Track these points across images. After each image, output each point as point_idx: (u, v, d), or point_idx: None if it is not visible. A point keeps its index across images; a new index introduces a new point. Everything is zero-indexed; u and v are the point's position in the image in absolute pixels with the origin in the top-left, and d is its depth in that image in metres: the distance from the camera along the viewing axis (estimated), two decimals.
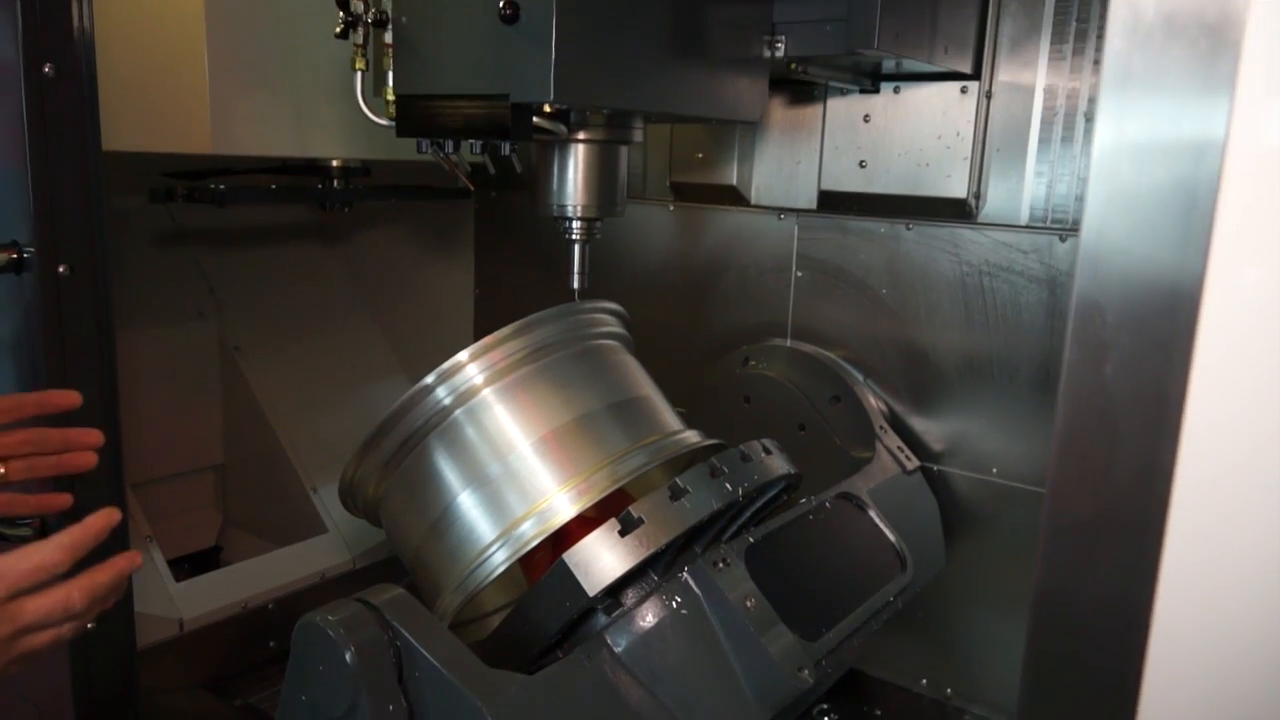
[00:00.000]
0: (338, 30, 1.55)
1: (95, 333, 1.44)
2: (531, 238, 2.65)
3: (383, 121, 1.60)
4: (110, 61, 1.52)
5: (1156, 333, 0.60)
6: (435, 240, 2.87)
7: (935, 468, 2.09)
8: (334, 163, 2.27)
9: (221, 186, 2.04)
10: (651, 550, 1.39)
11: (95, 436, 1.15)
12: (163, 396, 2.53)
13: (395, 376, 2.85)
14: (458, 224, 2.79)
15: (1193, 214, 0.65)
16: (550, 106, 1.41)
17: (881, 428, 2.08)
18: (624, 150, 1.70)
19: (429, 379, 1.56)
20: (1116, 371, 0.60)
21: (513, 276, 2.71)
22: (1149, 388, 0.59)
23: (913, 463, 2.04)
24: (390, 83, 1.55)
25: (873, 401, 2.13)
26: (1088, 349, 0.62)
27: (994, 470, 2.03)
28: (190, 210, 2.28)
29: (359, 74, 1.59)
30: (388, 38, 1.53)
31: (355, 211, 2.56)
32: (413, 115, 1.52)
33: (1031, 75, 1.89)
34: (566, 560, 1.38)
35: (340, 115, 2.06)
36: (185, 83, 1.93)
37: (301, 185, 2.29)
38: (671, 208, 2.39)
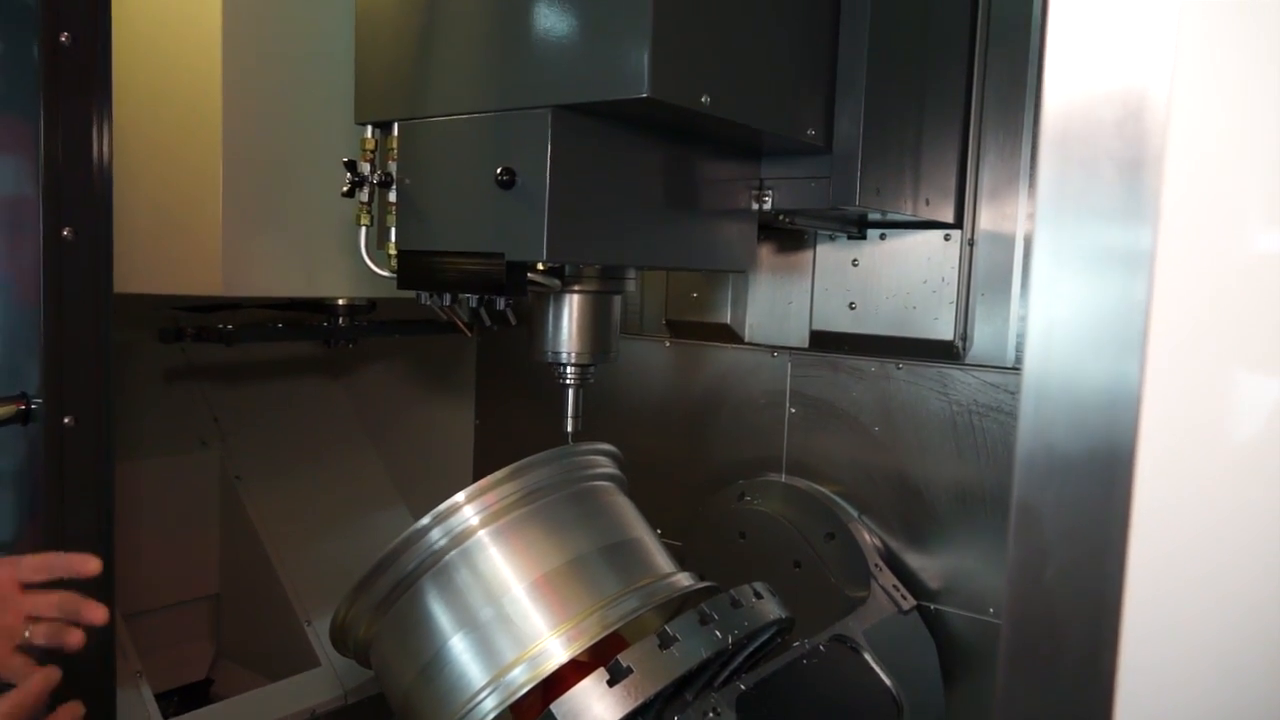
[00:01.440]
0: (345, 189, 1.63)
1: (95, 478, 1.47)
2: (531, 371, 2.69)
3: (385, 273, 1.66)
4: (125, 207, 1.59)
5: (1092, 542, 0.64)
6: (437, 373, 2.92)
7: (932, 606, 2.08)
8: (340, 301, 2.34)
9: (229, 326, 2.10)
10: (640, 700, 1.39)
11: (94, 564, 1.18)
12: (161, 526, 2.54)
13: (395, 507, 2.86)
14: (459, 358, 2.85)
15: (1124, 368, 0.71)
16: (544, 264, 1.47)
17: (876, 565, 2.07)
18: (617, 298, 1.76)
19: (425, 520, 1.58)
20: (1056, 577, 0.64)
21: (513, 408, 2.75)
22: (1087, 593, 0.62)
23: (908, 602, 2.03)
24: (393, 238, 1.62)
25: (867, 538, 2.14)
26: (1029, 553, 0.66)
27: (990, 610, 2.02)
28: (199, 344, 2.34)
29: (363, 229, 1.66)
30: (391, 196, 1.61)
31: (360, 345, 2.62)
32: (413, 269, 1.59)
33: (1012, 223, 1.97)
34: (555, 711, 1.37)
35: (348, 257, 2.13)
36: (198, 226, 2.00)
37: (307, 322, 2.35)
38: (668, 344, 2.45)
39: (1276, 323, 0.81)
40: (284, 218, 2.06)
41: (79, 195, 1.41)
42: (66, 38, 1.35)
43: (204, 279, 2.01)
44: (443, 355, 2.89)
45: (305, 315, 2.37)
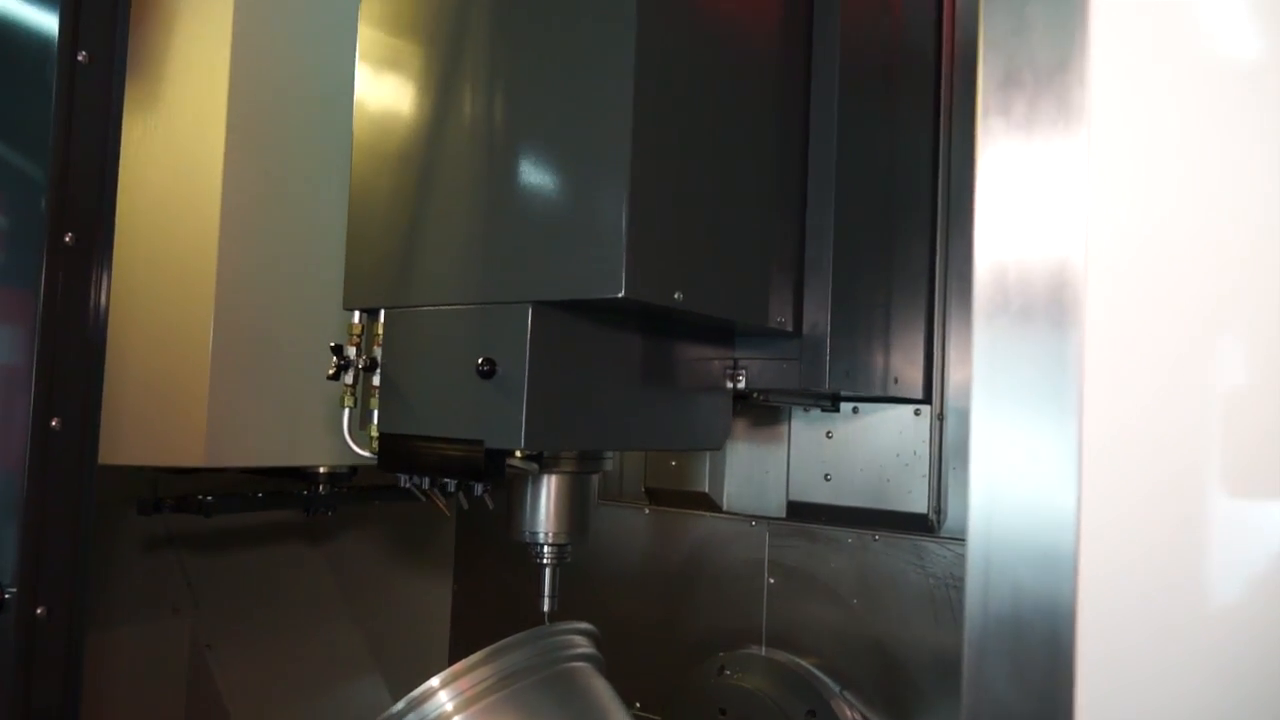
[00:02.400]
0: (330, 372, 1.67)
1: (64, 667, 1.45)
2: (509, 540, 2.69)
3: (366, 454, 1.69)
4: (115, 378, 1.62)
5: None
6: (416, 541, 2.91)
7: None
8: (321, 469, 2.35)
9: (209, 498, 2.11)
10: None
11: None
12: (127, 697, 2.47)
13: (371, 677, 2.79)
14: (438, 526, 2.84)
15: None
16: (522, 452, 1.51)
17: None
18: (595, 477, 1.79)
19: (399, 706, 1.56)
20: None
21: (491, 577, 2.73)
22: None
23: None
24: (375, 421, 1.65)
25: (849, 715, 2.10)
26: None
27: None
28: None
29: (346, 411, 1.70)
30: (375, 380, 1.66)
31: (339, 511, 2.62)
32: (394, 452, 1.62)
33: None
34: None
35: (331, 429, 2.16)
36: (185, 398, 2.04)
37: (287, 491, 2.36)
38: (647, 511, 2.46)
39: (1203, 482, 0.87)
40: (269, 393, 2.10)
41: (69, 380, 1.44)
42: (71, 238, 1.41)
43: (187, 450, 2.03)
44: (422, 523, 2.88)
45: (286, 482, 2.38)
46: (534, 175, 1.51)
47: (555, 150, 1.49)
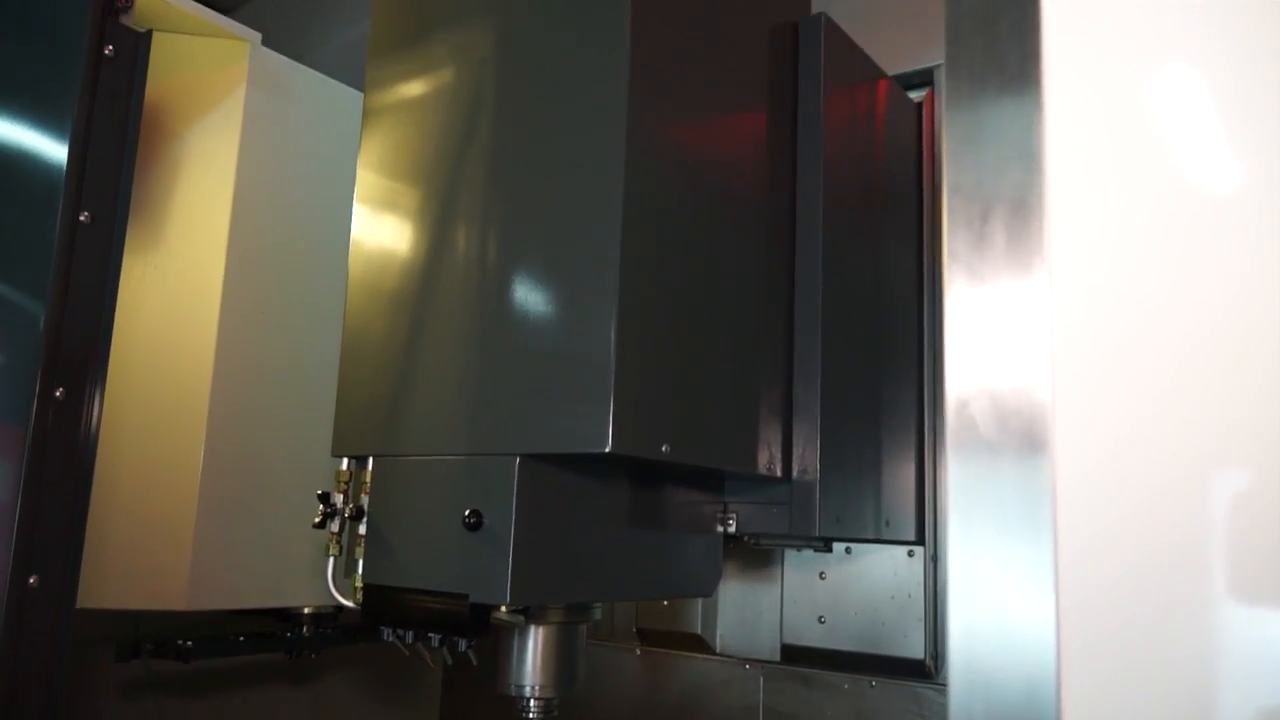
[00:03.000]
0: (317, 520, 1.66)
1: None
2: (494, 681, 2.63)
3: (350, 604, 1.66)
4: (96, 522, 1.60)
5: None
6: (402, 683, 2.84)
7: None
8: (305, 609, 2.31)
9: (189, 643, 2.06)
10: None
11: None
12: None
13: None
14: (425, 668, 2.77)
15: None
16: (507, 607, 1.48)
17: None
18: (583, 627, 1.75)
19: None
20: None
21: (477, 716, 2.65)
22: None
23: None
24: (360, 570, 1.63)
25: None
26: None
27: None
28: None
29: (331, 559, 1.68)
30: (362, 528, 1.64)
31: (323, 653, 2.55)
32: (378, 603, 1.59)
33: None
34: None
35: (316, 566, 2.13)
36: (169, 538, 2.02)
37: (270, 632, 2.31)
38: (638, 651, 2.41)
39: (1182, 604, 0.87)
40: (256, 533, 2.08)
41: (50, 535, 1.43)
42: (61, 393, 1.42)
43: (170, 592, 2.00)
44: (408, 666, 2.81)
45: (270, 621, 2.33)
46: (522, 327, 1.53)
47: (543, 302, 1.52)
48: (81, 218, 1.42)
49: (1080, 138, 0.93)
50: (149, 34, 1.50)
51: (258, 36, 2.16)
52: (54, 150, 1.47)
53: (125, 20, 1.45)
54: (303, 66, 2.31)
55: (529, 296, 1.54)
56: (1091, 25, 0.96)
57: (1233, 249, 0.94)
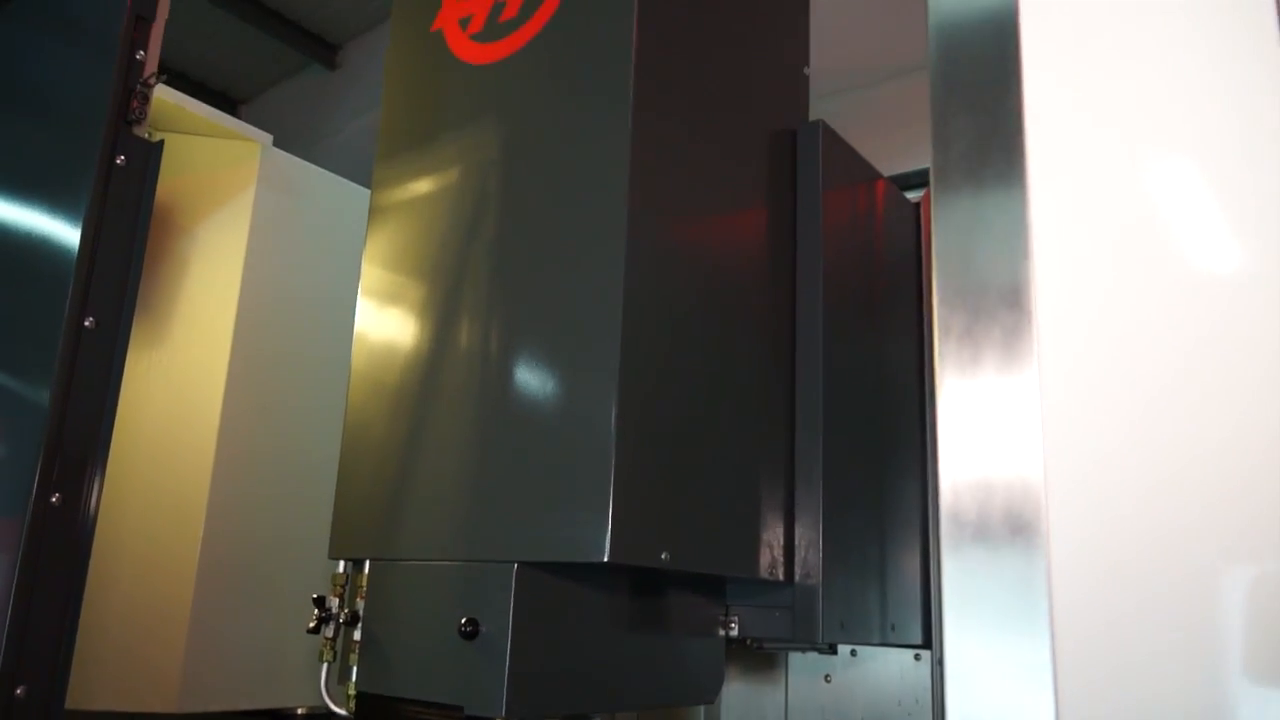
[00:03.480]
0: (311, 625, 1.63)
1: None
2: None
3: (342, 712, 1.62)
4: (88, 623, 1.58)
5: None
6: None
7: None
8: (299, 710, 2.26)
9: None
10: None
11: None
12: None
13: None
14: None
15: None
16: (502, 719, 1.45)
17: None
18: None
19: None
20: None
21: None
22: None
23: None
24: (354, 677, 1.60)
25: None
26: None
27: None
28: None
29: (325, 665, 1.65)
30: (356, 634, 1.62)
31: None
32: (371, 713, 1.55)
33: None
34: None
35: (310, 666, 2.09)
36: (162, 635, 1.99)
37: None
38: None
39: (1179, 711, 0.85)
40: (250, 632, 2.05)
41: (39, 643, 1.41)
42: (58, 498, 1.42)
43: (161, 694, 1.97)
44: None
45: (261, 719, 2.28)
46: (521, 431, 1.53)
47: (543, 407, 1.52)
48: (86, 323, 1.44)
49: (1066, 230, 0.95)
50: (160, 144, 1.54)
51: (269, 138, 2.21)
52: (62, 255, 1.49)
53: (138, 130, 1.49)
54: (312, 166, 2.36)
55: (528, 400, 1.54)
56: (1073, 119, 0.99)
57: (1220, 334, 0.95)
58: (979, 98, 1.04)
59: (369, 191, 1.93)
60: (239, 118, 6.09)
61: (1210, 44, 1.03)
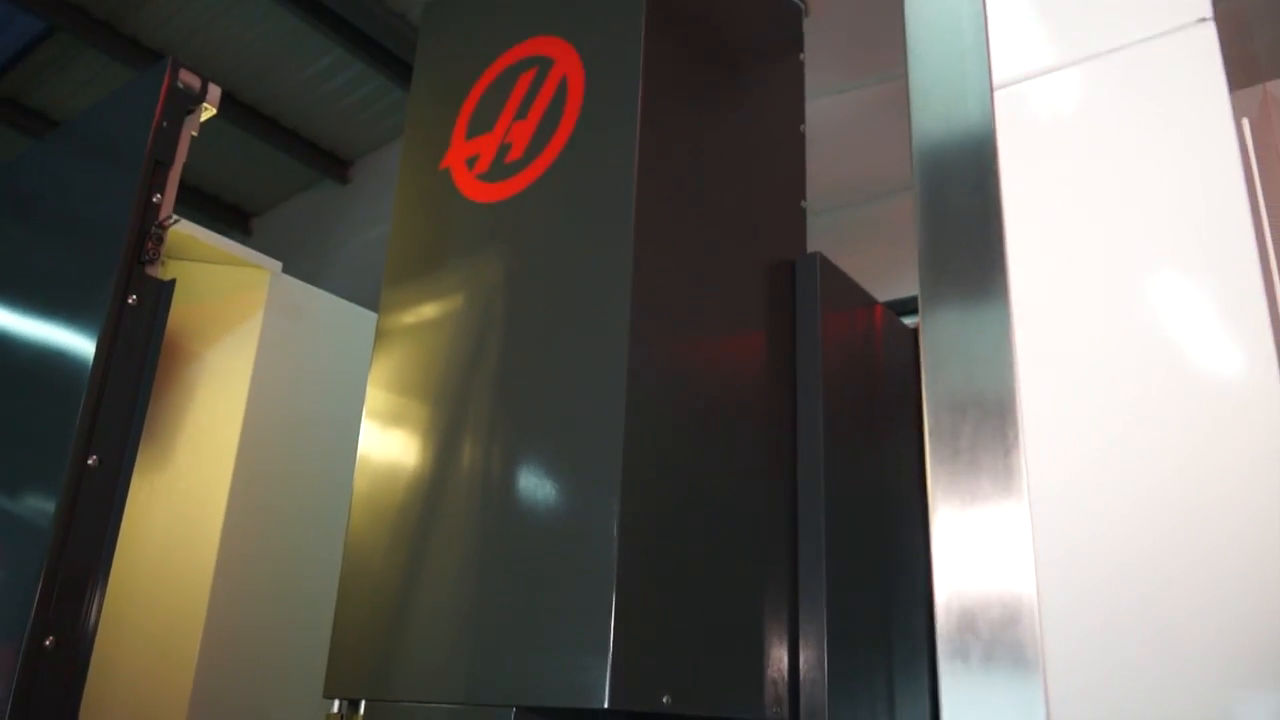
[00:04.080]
0: None
1: None
2: None
3: None
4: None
5: None
6: None
7: None
8: None
9: None
10: None
11: None
12: None
13: None
14: None
15: None
16: None
17: None
18: None
19: None
20: None
21: None
22: None
23: None
24: None
25: None
26: None
27: None
28: None
29: None
30: None
31: None
32: None
33: None
34: None
35: None
36: None
37: None
38: None
39: None
40: None
41: None
42: (51, 642, 1.40)
43: None
44: None
45: None
46: (521, 570, 1.52)
47: (542, 545, 1.51)
48: (90, 461, 1.44)
49: (1049, 346, 0.96)
50: (172, 284, 1.57)
51: (278, 265, 2.26)
52: (71, 391, 1.51)
53: (151, 270, 1.53)
54: (319, 291, 2.40)
55: (528, 535, 1.53)
56: (1052, 244, 1.01)
57: (1206, 451, 0.94)
58: (962, 228, 1.07)
59: (375, 315, 1.96)
60: (251, 231, 6.25)
61: (1179, 168, 1.05)
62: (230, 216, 5.85)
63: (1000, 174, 1.09)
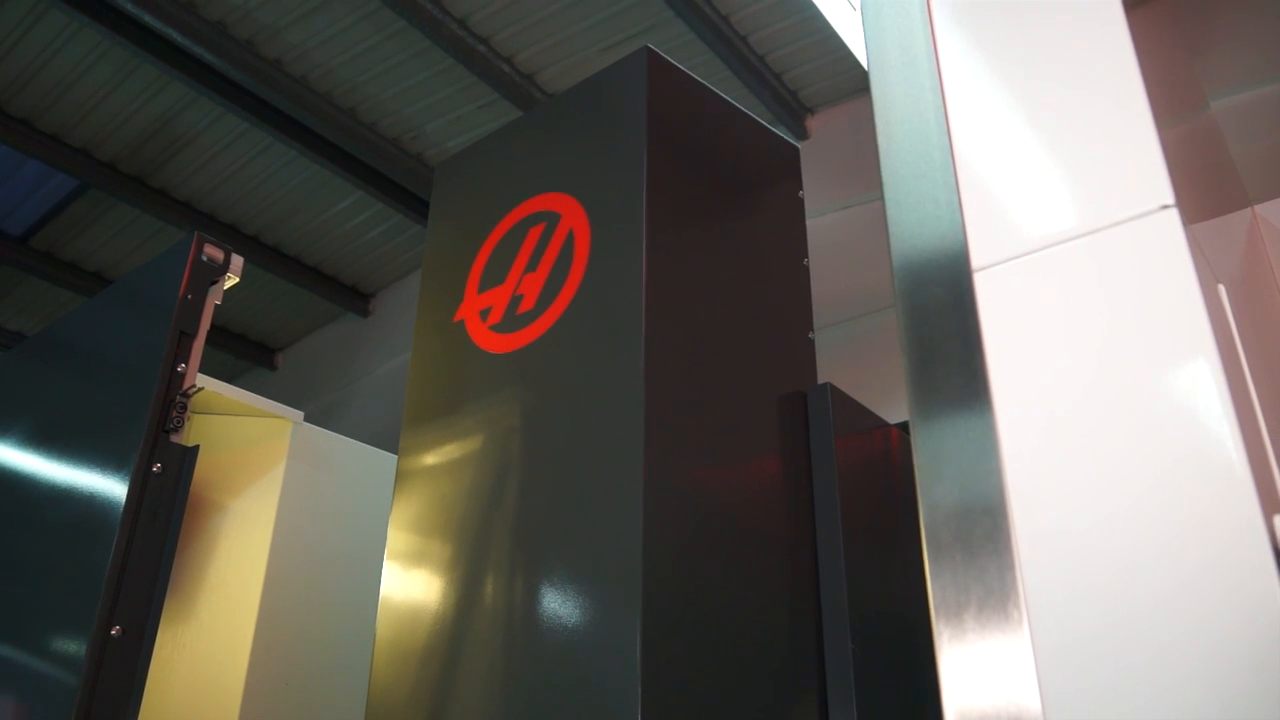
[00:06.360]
0: None
1: None
2: None
3: None
4: None
5: None
6: None
7: None
8: None
9: None
10: None
11: None
12: None
13: None
14: None
15: None
16: None
17: None
18: None
19: None
20: None
21: None
22: None
23: None
24: None
25: None
26: None
27: None
28: None
29: None
30: None
31: None
32: None
33: None
34: None
35: None
36: None
37: None
38: None
39: None
40: None
41: None
42: None
43: None
44: None
45: None
46: (545, 709, 1.50)
47: (564, 686, 1.50)
48: (113, 631, 1.46)
49: (1036, 448, 0.96)
50: (195, 449, 1.61)
51: (299, 415, 2.30)
52: (95, 560, 1.54)
53: (175, 438, 1.57)
54: (341, 438, 2.44)
55: (552, 673, 1.52)
56: (1029, 348, 1.02)
57: (1202, 550, 0.91)
58: (944, 349, 1.09)
59: (395, 457, 1.99)
60: (277, 365, 6.36)
61: (1157, 275, 1.04)
62: (256, 353, 5.97)
63: (978, 298, 1.11)
